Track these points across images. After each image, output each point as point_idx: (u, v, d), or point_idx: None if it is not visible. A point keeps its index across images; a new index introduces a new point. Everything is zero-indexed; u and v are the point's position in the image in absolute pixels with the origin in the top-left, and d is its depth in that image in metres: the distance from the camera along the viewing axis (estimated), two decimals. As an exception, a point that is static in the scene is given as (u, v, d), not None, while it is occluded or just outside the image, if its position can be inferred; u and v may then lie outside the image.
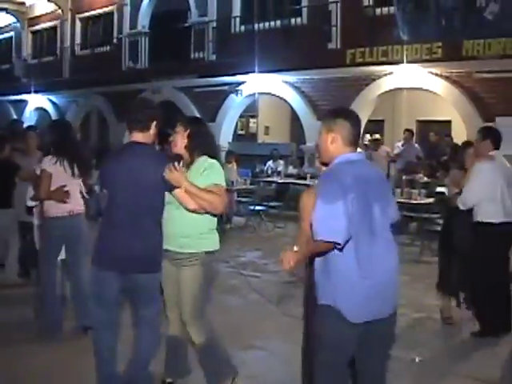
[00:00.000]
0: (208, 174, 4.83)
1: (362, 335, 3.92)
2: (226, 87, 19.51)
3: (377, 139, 15.87)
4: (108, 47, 24.46)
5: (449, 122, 17.93)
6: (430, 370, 5.88)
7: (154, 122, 4.86)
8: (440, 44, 14.29)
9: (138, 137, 4.85)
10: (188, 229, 4.87)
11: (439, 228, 10.68)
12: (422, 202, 11.22)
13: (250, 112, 21.44)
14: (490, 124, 14.51)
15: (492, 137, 6.92)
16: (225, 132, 20.07)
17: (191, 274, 4.89)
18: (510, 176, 6.84)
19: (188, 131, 4.95)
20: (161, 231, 4.84)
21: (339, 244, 3.70)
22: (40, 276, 6.77)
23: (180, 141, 4.96)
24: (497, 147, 6.88)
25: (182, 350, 5.33)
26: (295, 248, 3.77)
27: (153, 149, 5.04)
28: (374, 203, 3.85)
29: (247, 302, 8.10)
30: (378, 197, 3.89)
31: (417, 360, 5.93)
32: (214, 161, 4.91)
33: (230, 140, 20.42)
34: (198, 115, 20.24)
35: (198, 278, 4.90)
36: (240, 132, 22.35)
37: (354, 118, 4.03)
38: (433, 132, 17.06)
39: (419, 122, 19.21)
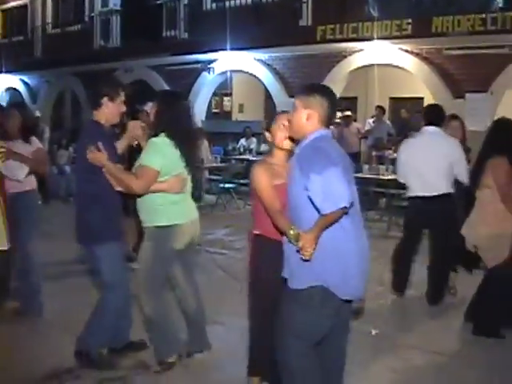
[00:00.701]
0: (143, 153, 4.84)
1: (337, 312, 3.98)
2: (198, 65, 19.44)
3: (348, 116, 15.91)
4: (79, 26, 24.15)
5: (421, 98, 17.96)
6: (385, 342, 5.97)
7: (105, 98, 4.85)
8: (410, 20, 14.32)
9: (94, 115, 4.88)
10: (140, 203, 4.92)
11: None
12: (390, 177, 11.27)
13: (224, 90, 21.37)
14: (460, 100, 14.66)
15: (424, 113, 7.28)
16: (198, 110, 19.94)
17: (143, 247, 4.94)
18: (439, 150, 6.92)
19: (156, 109, 4.97)
20: (98, 206, 4.86)
21: (346, 208, 3.69)
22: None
23: (150, 118, 5.05)
24: (430, 123, 7.07)
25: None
26: (291, 231, 3.75)
27: (93, 127, 5.00)
28: (351, 180, 3.88)
29: (211, 278, 8.12)
30: (350, 174, 3.93)
31: (373, 333, 6.00)
32: (154, 140, 4.90)
33: (204, 118, 20.34)
34: (172, 93, 20.25)
35: (147, 252, 4.93)
36: (214, 110, 22.30)
37: (332, 97, 4.01)
38: (404, 109, 17.13)
39: (392, 99, 19.28)
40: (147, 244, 4.98)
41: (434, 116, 7.18)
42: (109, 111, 4.94)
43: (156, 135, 4.92)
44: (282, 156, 4.44)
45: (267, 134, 4.48)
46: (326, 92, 4.00)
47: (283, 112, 4.49)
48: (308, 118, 3.90)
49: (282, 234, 4.02)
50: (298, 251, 3.74)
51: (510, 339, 6.08)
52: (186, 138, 5.03)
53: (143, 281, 5.04)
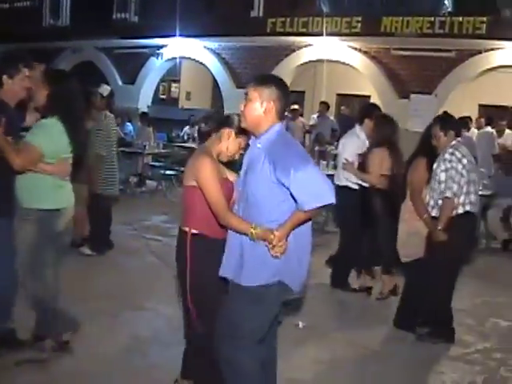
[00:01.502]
0: (29, 132, 4.79)
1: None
2: (147, 50, 19.27)
3: (295, 109, 15.91)
4: (28, 2, 23.61)
5: (368, 97, 18.12)
6: (311, 335, 5.99)
7: (4, 77, 4.80)
8: (360, 19, 14.45)
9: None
10: (22, 183, 4.81)
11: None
12: (330, 173, 11.30)
13: (172, 76, 21.18)
14: (404, 101, 14.84)
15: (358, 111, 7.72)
16: (144, 95, 19.87)
17: (24, 229, 4.81)
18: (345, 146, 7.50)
19: (48, 91, 4.86)
20: None
21: (332, 204, 3.64)
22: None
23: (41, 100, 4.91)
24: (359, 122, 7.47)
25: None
26: (253, 230, 3.67)
27: None
28: None
29: (144, 264, 8.05)
30: None
31: (300, 325, 6.01)
32: (44, 121, 4.81)
33: (150, 103, 20.18)
34: (118, 77, 20.07)
35: (30, 234, 4.81)
36: (161, 96, 22.07)
37: (287, 89, 3.90)
38: (344, 106, 17.33)
39: (339, 95, 19.40)
40: (30, 227, 4.82)
41: (361, 115, 7.57)
42: (9, 88, 4.85)
43: (46, 117, 4.83)
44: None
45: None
46: (282, 84, 3.89)
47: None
48: (266, 110, 3.76)
49: (225, 230, 3.94)
50: (268, 249, 3.68)
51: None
52: (76, 123, 4.95)
53: (21, 262, 4.89)
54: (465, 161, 5.86)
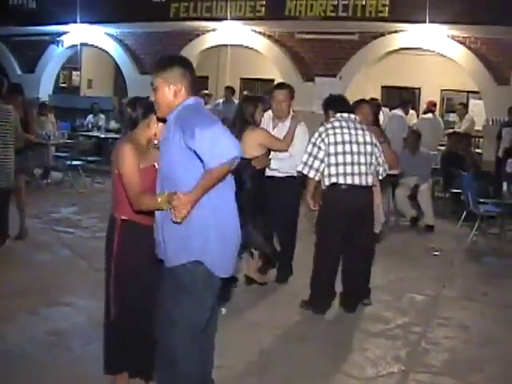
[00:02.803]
0: None
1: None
2: (46, 37, 18.70)
3: (207, 94, 15.73)
4: None
5: (272, 80, 18.18)
6: (234, 320, 5.98)
7: None
8: (264, 2, 14.49)
9: None
10: None
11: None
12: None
13: (73, 64, 20.65)
14: (309, 83, 14.97)
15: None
16: (45, 84, 19.29)
17: None
18: None
19: None
20: None
21: (236, 159, 3.50)
22: None
23: None
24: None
25: None
26: (159, 198, 3.61)
27: None
28: None
29: (57, 257, 7.85)
30: None
31: (223, 312, 6.00)
32: None
33: (51, 92, 19.65)
34: (17, 65, 19.45)
35: None
36: (62, 84, 21.51)
37: (189, 63, 3.85)
38: (247, 90, 17.34)
39: (243, 79, 19.40)
40: None
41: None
42: None
43: None
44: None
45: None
46: (183, 60, 3.86)
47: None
48: (175, 93, 3.71)
49: (151, 215, 3.85)
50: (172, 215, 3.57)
51: (351, 317, 6.35)
52: None
53: None
54: (331, 132, 6.10)
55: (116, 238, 4.15)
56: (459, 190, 10.76)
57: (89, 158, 13.47)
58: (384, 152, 6.27)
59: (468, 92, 16.45)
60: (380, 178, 6.29)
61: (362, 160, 6.06)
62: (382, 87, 17.67)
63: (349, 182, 6.05)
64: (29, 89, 18.47)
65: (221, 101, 16.18)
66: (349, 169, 6.04)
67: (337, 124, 6.16)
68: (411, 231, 10.52)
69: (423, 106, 15.70)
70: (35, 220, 9.46)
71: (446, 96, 17.45)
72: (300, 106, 14.65)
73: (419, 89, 17.66)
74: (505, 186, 10.97)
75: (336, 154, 6.05)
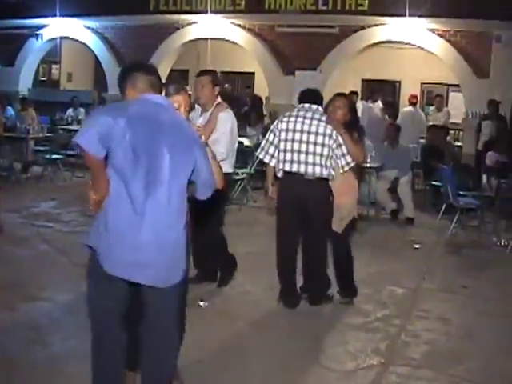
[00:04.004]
0: None
1: (133, 298, 3.77)
2: (25, 30, 18.58)
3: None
4: None
5: (252, 73, 18.21)
6: (214, 315, 5.98)
7: None
8: (244, -4, 14.44)
9: None
10: None
11: (237, 177, 10.93)
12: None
13: (52, 58, 20.56)
14: (289, 77, 14.98)
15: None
16: (24, 77, 19.19)
17: None
18: None
19: None
20: None
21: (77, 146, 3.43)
22: None
23: None
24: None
25: None
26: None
27: None
28: (161, 149, 3.55)
29: (36, 252, 7.77)
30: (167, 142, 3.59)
31: (202, 305, 6.02)
32: None
33: (30, 86, 19.52)
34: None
35: None
36: (42, 78, 21.40)
37: (130, 66, 3.95)
38: (228, 83, 17.35)
39: (224, 73, 19.34)
40: None
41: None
42: None
43: None
44: None
45: None
46: (128, 67, 3.99)
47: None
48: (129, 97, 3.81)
49: None
50: None
51: (331, 310, 6.37)
52: None
53: None
54: (285, 119, 6.21)
55: None
56: (439, 183, 10.80)
57: (68, 152, 13.35)
58: (346, 144, 6.21)
59: (448, 85, 16.54)
60: (341, 171, 6.23)
61: (311, 150, 6.04)
62: (363, 80, 17.71)
63: (293, 169, 6.10)
64: (8, 82, 18.46)
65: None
66: (295, 156, 6.07)
67: (294, 113, 6.23)
68: (391, 224, 10.53)
69: (404, 98, 15.77)
70: (14, 214, 9.39)
71: (426, 89, 17.52)
72: (280, 100, 14.79)
73: (399, 82, 17.73)
74: (484, 178, 11.09)
75: (286, 140, 6.12)
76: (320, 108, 6.29)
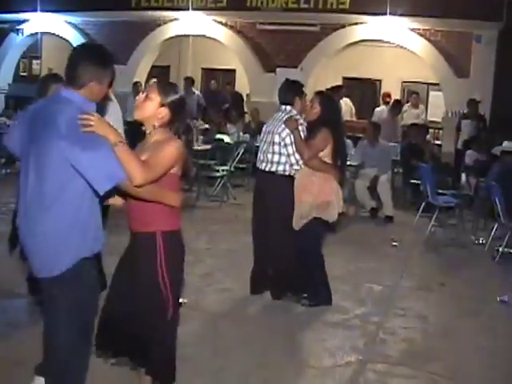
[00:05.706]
0: None
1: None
2: (6, 25, 18.48)
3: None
4: None
5: (233, 70, 18.20)
6: (194, 312, 5.98)
7: None
8: (226, -7, 14.43)
9: None
10: None
11: (217, 174, 10.95)
12: (199, 148, 11.29)
13: (33, 53, 20.43)
14: (270, 74, 15.00)
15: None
16: (4, 73, 19.12)
17: None
18: None
19: None
20: None
21: None
22: None
23: None
24: None
25: None
26: None
27: None
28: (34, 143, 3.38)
29: (15, 248, 7.73)
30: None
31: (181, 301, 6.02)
32: None
33: (11, 81, 19.42)
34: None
35: None
36: (22, 73, 21.25)
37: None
38: (214, 80, 17.34)
39: (204, 69, 19.35)
40: None
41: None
42: None
43: None
44: None
45: None
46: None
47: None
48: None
49: None
50: None
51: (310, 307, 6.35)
52: None
53: None
54: (267, 123, 6.66)
55: (162, 252, 3.97)
56: (418, 182, 10.85)
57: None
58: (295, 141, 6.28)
59: (428, 84, 16.59)
60: (293, 169, 6.29)
61: (270, 149, 6.34)
62: (344, 78, 17.74)
63: (259, 167, 6.50)
64: (-12, 78, 18.33)
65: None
66: (261, 155, 6.48)
67: (273, 115, 6.56)
68: (371, 222, 10.57)
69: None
70: (-6, 211, 9.34)
71: (407, 88, 17.58)
72: (261, 97, 14.81)
73: (380, 81, 17.78)
74: (463, 177, 11.15)
75: (260, 141, 6.64)
76: (289, 108, 6.42)
